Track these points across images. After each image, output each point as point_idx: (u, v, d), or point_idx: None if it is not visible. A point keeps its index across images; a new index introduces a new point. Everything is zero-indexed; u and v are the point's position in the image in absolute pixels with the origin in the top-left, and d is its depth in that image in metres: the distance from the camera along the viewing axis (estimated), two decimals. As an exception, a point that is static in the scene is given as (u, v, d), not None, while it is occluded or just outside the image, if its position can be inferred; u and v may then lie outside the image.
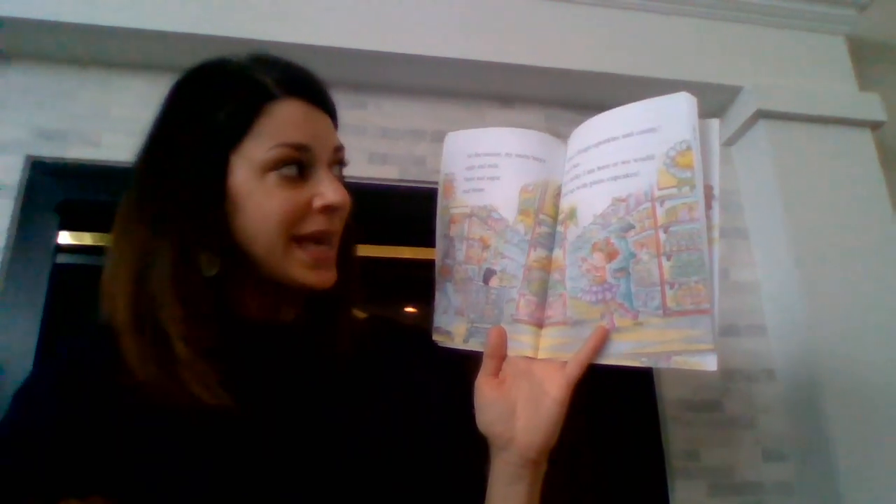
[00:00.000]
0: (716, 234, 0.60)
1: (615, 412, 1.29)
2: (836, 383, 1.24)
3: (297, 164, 0.63)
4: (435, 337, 0.78)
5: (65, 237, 1.20)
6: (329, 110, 0.70)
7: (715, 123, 0.63)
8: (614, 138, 0.65)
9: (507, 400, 0.66)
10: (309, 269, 0.65)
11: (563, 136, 0.73)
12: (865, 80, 1.55)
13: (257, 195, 0.62)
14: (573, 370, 0.63)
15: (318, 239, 0.65)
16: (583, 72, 1.38)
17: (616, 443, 1.29)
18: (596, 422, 1.27)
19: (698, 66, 1.44)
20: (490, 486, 0.66)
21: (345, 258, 0.70)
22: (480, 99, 1.46)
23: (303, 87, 0.66)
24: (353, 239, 0.74)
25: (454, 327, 0.75)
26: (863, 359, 1.26)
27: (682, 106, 0.61)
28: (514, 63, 1.35)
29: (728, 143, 1.54)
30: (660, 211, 0.61)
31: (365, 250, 0.78)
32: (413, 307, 1.41)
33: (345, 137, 0.72)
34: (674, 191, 0.60)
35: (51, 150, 1.24)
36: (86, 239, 1.21)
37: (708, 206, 0.60)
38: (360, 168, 1.29)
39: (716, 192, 0.61)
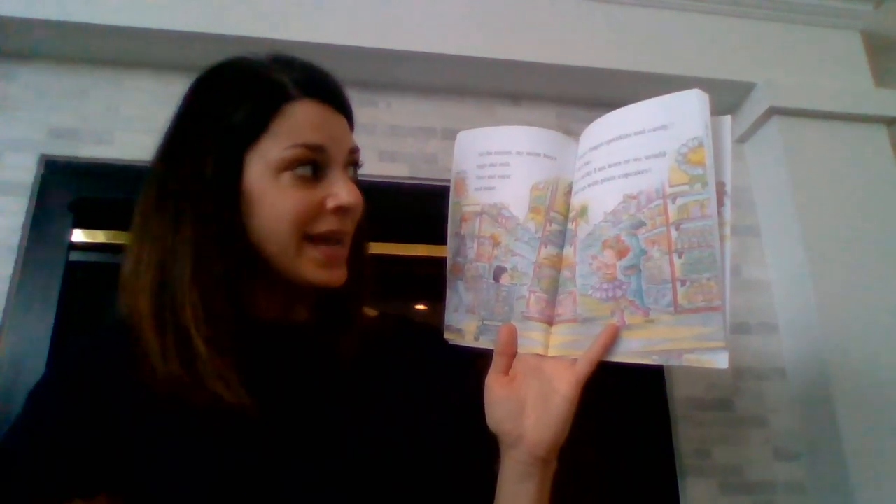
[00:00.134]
0: (727, 230, 0.60)
1: (626, 410, 1.29)
2: (848, 382, 1.23)
3: (312, 165, 0.64)
4: (446, 335, 0.78)
5: (78, 235, 1.22)
6: (346, 112, 0.70)
7: (727, 120, 0.62)
8: (626, 135, 0.64)
9: (517, 397, 0.66)
10: (320, 268, 0.65)
11: (574, 133, 0.73)
12: (881, 76, 1.54)
13: (271, 194, 0.63)
14: (583, 368, 0.63)
15: (330, 238, 0.66)
16: (594, 69, 1.37)
17: (627, 441, 1.28)
18: (607, 420, 1.26)
19: (711, 62, 1.43)
20: (500, 484, 0.66)
21: (357, 257, 0.70)
22: (491, 96, 1.46)
23: (320, 89, 0.66)
24: (365, 238, 0.75)
25: (465, 325, 0.75)
26: (874, 357, 1.25)
27: (694, 103, 0.61)
28: (525, 60, 1.35)
29: (741, 139, 1.53)
30: (671, 208, 0.61)
31: (375, 248, 0.78)
32: (423, 304, 1.42)
33: (355, 135, 0.72)
34: (685, 188, 0.60)
35: (64, 149, 1.25)
36: (99, 237, 1.22)
37: (720, 203, 0.60)
38: (370, 166, 1.28)
39: (728, 188, 0.61)
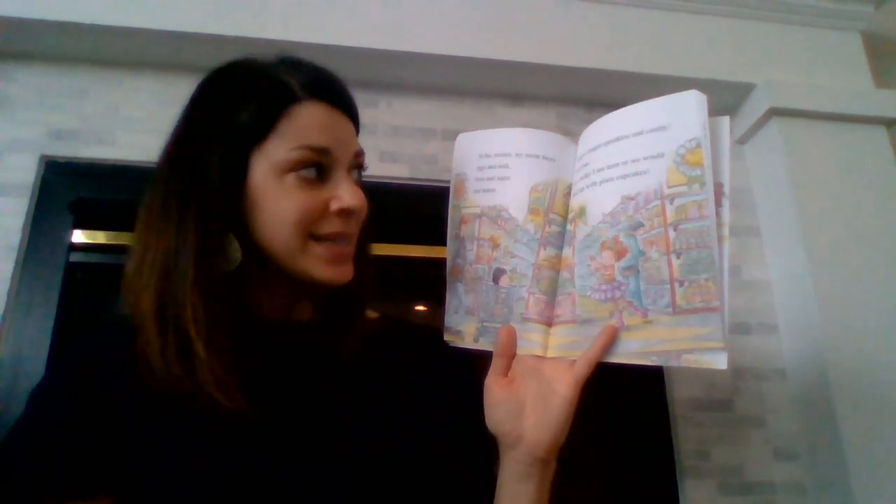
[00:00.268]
0: (726, 231, 0.60)
1: (625, 411, 1.29)
2: (848, 382, 1.23)
3: (317, 167, 0.64)
4: (446, 336, 0.78)
5: (78, 236, 1.21)
6: (352, 115, 0.70)
7: (725, 121, 0.62)
8: (624, 137, 0.65)
9: (516, 398, 0.66)
10: (327, 265, 0.65)
11: (573, 134, 0.73)
12: (881, 77, 1.53)
13: (275, 195, 0.63)
14: (582, 369, 0.63)
15: (334, 239, 0.66)
16: (593, 69, 1.37)
17: (626, 442, 1.28)
18: (606, 421, 1.26)
19: (710, 63, 1.43)
20: (499, 485, 0.66)
21: (360, 258, 0.71)
22: (491, 97, 1.45)
23: (327, 91, 0.67)
24: (369, 239, 0.75)
25: (464, 327, 0.75)
26: (875, 358, 1.25)
27: (691, 104, 0.61)
28: (525, 61, 1.35)
29: (741, 140, 1.52)
30: (669, 209, 0.61)
31: (375, 248, 0.78)
32: (423, 305, 1.42)
33: (356, 136, 0.72)
34: (684, 188, 0.60)
35: (64, 150, 1.25)
36: (99, 237, 1.22)
37: (718, 204, 0.60)
38: (370, 166, 1.29)
39: (726, 189, 0.61)
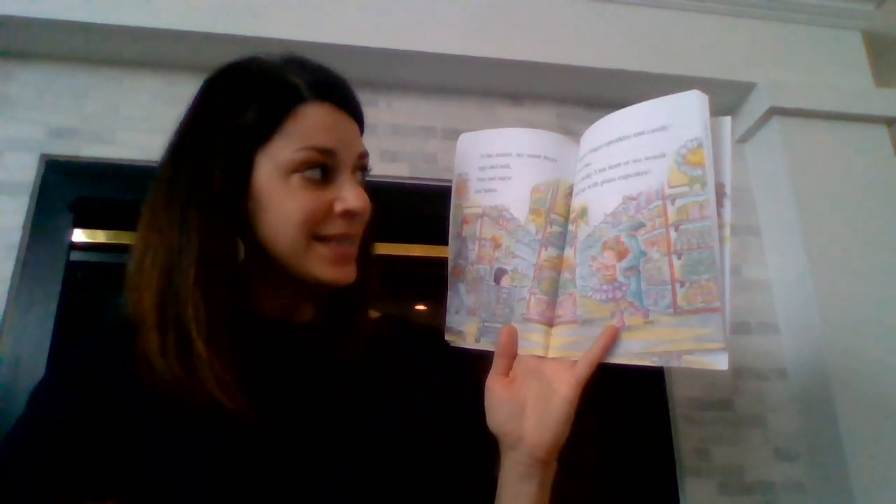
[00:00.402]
0: (727, 232, 0.60)
1: (626, 411, 1.29)
2: (849, 382, 1.23)
3: (322, 168, 0.64)
4: (447, 336, 0.78)
5: (79, 235, 1.22)
6: (357, 116, 0.70)
7: (727, 121, 0.62)
8: (626, 137, 0.65)
9: (517, 399, 0.66)
10: (330, 266, 0.65)
11: (574, 132, 0.73)
12: (882, 76, 1.53)
13: (280, 195, 0.63)
14: (583, 369, 0.63)
15: (338, 240, 0.66)
16: (594, 69, 1.37)
17: (627, 441, 1.28)
18: (607, 420, 1.27)
19: (711, 62, 1.43)
20: (500, 485, 0.66)
21: (363, 258, 0.71)
22: (491, 96, 1.45)
23: (333, 92, 0.67)
24: (372, 239, 0.75)
25: (466, 327, 0.75)
26: (875, 357, 1.25)
27: (693, 104, 0.61)
28: (525, 60, 1.35)
29: (741, 140, 1.52)
30: (671, 209, 0.61)
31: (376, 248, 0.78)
32: (423, 305, 1.42)
33: (357, 135, 0.72)
34: (685, 189, 0.60)
35: (65, 149, 1.25)
36: (99, 236, 1.22)
37: (719, 204, 0.60)
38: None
39: (727, 190, 0.61)
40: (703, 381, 1.32)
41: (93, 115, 1.28)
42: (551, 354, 0.67)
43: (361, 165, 0.69)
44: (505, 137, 0.76)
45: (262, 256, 0.65)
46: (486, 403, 0.68)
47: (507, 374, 0.68)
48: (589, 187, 0.67)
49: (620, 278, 0.63)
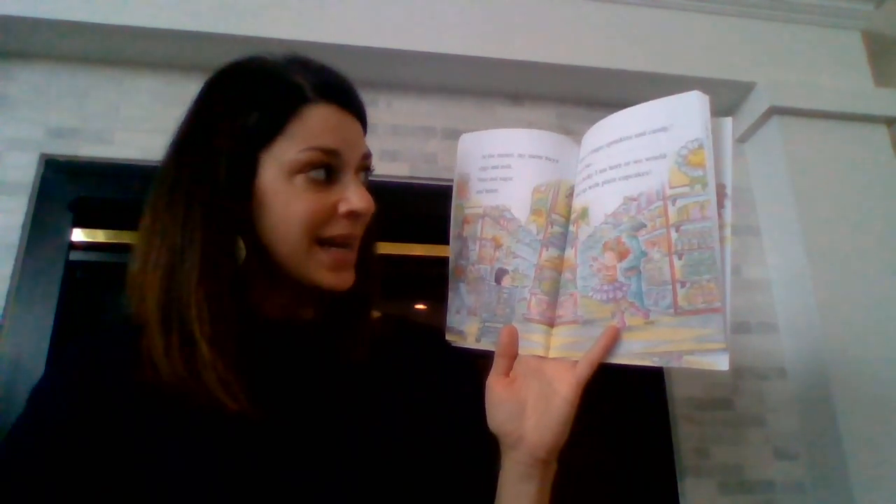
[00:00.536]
0: (728, 232, 0.60)
1: (626, 410, 1.29)
2: (848, 381, 1.24)
3: (326, 169, 0.64)
4: (448, 336, 0.78)
5: (78, 234, 1.22)
6: (360, 117, 0.70)
7: (728, 122, 0.62)
8: (627, 137, 0.65)
9: (517, 399, 0.66)
10: (329, 271, 0.65)
11: (574, 132, 0.73)
12: (881, 76, 1.54)
13: (284, 196, 0.63)
14: (583, 370, 0.63)
15: (340, 242, 0.66)
16: (594, 68, 1.37)
17: (626, 441, 1.28)
18: (606, 420, 1.27)
19: (711, 62, 1.43)
20: (500, 485, 0.66)
21: (365, 258, 0.71)
22: (491, 96, 1.46)
23: (337, 93, 0.67)
24: (374, 239, 0.75)
25: (467, 327, 0.75)
26: (875, 357, 1.25)
27: (694, 104, 0.61)
28: (525, 60, 1.35)
29: (741, 139, 1.53)
30: (671, 210, 0.61)
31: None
32: (423, 304, 1.42)
33: (357, 136, 0.72)
34: (686, 189, 0.60)
35: (64, 149, 1.25)
36: (99, 236, 1.22)
37: (720, 205, 0.60)
38: (370, 165, 1.30)
39: (728, 190, 0.61)
40: (703, 381, 1.32)
41: (92, 115, 1.28)
42: (552, 354, 0.67)
43: (365, 166, 0.69)
44: (506, 138, 0.76)
45: (263, 257, 0.65)
46: (486, 403, 0.68)
47: (507, 374, 0.68)
48: (590, 188, 0.67)
49: (621, 279, 0.63)
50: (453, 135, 1.39)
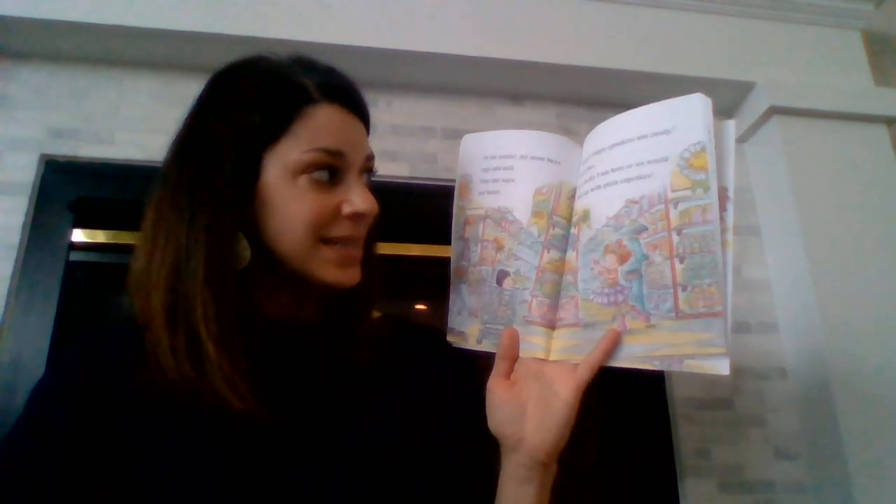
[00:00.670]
0: (729, 236, 0.60)
1: (626, 410, 1.29)
2: (848, 381, 1.24)
3: (330, 169, 0.64)
4: (449, 338, 0.78)
5: (78, 235, 1.21)
6: (364, 118, 0.70)
7: (730, 125, 0.62)
8: (629, 140, 0.64)
9: (518, 401, 0.66)
10: (335, 268, 0.66)
11: (574, 133, 0.73)
12: (881, 76, 1.54)
13: (287, 196, 0.63)
14: (584, 373, 0.63)
15: (343, 243, 0.66)
16: (594, 69, 1.37)
17: (627, 441, 1.28)
18: (607, 420, 1.27)
19: (711, 62, 1.43)
20: (500, 487, 0.66)
21: (366, 258, 0.71)
22: (491, 96, 1.45)
23: (342, 93, 0.67)
24: (375, 239, 0.75)
25: (468, 328, 0.75)
26: (875, 357, 1.25)
27: (696, 107, 0.61)
28: (525, 60, 1.35)
29: (741, 139, 1.52)
30: (673, 213, 0.61)
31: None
32: (423, 304, 1.42)
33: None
34: (687, 192, 0.60)
35: (64, 149, 1.25)
36: (99, 236, 1.22)
37: (722, 209, 0.60)
38: (371, 165, 1.29)
39: (730, 194, 0.61)
40: (703, 381, 1.32)
41: (92, 116, 1.28)
42: (553, 357, 0.67)
43: (368, 167, 0.70)
44: (509, 139, 0.76)
45: (267, 257, 0.65)
46: (486, 405, 0.68)
47: (508, 376, 0.68)
48: (591, 190, 0.67)
49: (622, 282, 0.63)
50: (453, 135, 1.39)
